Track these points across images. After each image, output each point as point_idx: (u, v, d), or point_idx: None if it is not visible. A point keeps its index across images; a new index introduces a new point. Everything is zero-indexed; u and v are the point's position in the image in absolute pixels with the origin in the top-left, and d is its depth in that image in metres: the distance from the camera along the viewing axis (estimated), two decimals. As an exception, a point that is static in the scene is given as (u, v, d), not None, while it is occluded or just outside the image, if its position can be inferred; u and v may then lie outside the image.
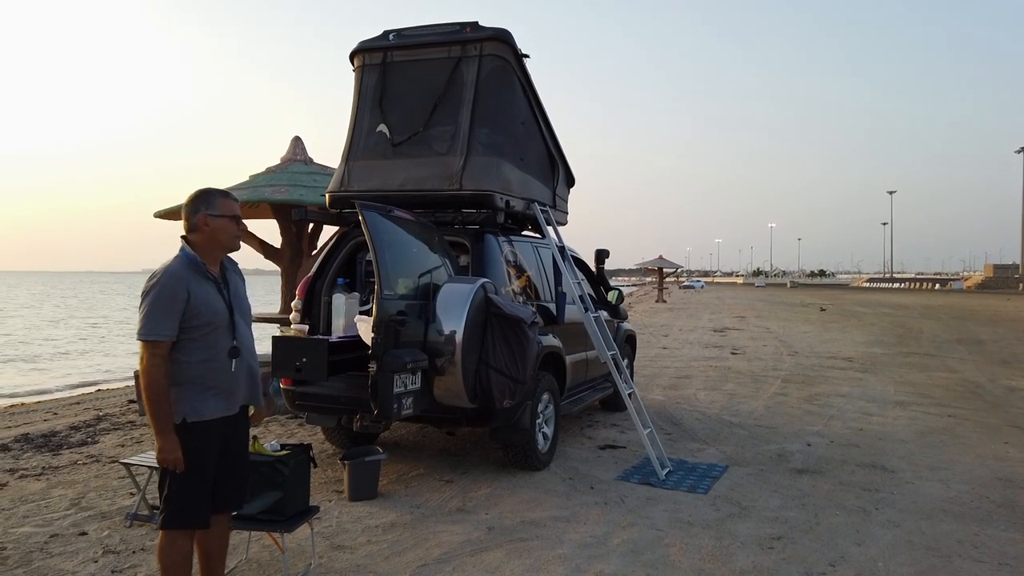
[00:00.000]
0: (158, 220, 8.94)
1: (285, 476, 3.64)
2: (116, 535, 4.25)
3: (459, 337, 4.37)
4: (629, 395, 5.92)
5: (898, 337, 19.25)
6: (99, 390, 13.70)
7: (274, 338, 4.93)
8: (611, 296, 7.65)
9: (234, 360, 3.00)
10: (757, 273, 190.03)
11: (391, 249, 4.26)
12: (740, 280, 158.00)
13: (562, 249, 6.10)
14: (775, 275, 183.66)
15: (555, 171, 6.66)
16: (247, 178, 8.95)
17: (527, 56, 5.92)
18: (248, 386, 3.12)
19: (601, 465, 5.94)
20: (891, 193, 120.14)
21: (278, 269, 9.29)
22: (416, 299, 4.40)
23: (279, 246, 9.13)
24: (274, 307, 11.37)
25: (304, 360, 4.75)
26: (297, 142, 9.25)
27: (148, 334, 2.83)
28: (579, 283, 6.09)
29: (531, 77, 6.02)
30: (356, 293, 5.49)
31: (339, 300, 5.27)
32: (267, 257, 9.18)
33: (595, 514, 4.71)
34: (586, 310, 5.89)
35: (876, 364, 13.23)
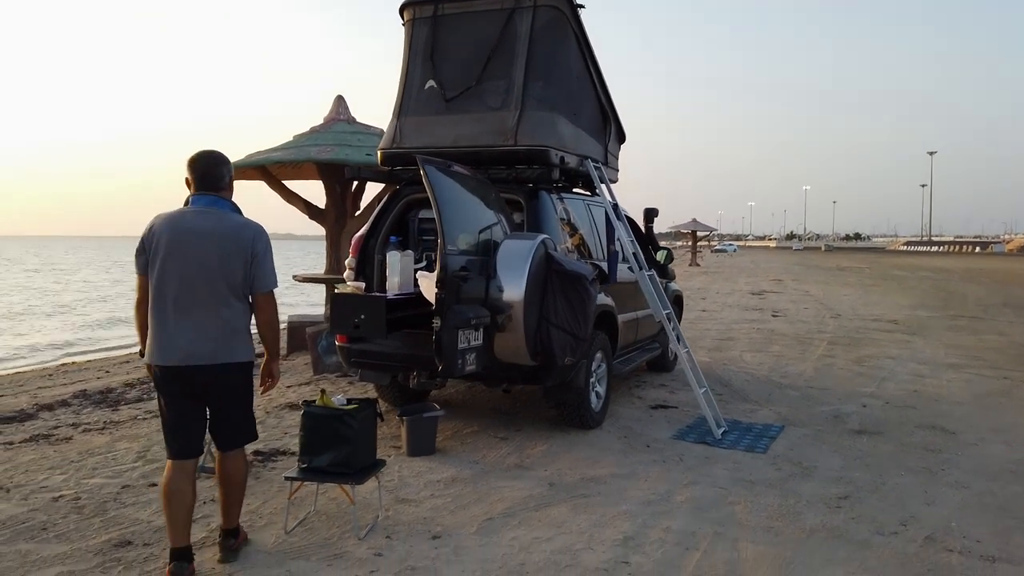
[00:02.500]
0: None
1: (354, 430, 3.66)
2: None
3: (520, 293, 4.32)
4: (685, 354, 5.84)
5: (942, 301, 18.82)
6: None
7: (332, 295, 4.94)
8: (660, 256, 7.53)
9: None
10: (791, 237, 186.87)
11: (452, 205, 4.20)
12: (773, 244, 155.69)
13: (615, 207, 5.98)
14: (808, 239, 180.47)
15: (607, 127, 6.51)
16: (291, 138, 8.92)
17: (582, 6, 5.75)
18: None
19: (654, 424, 5.90)
20: (931, 154, 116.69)
21: (308, 235, 9.32)
22: (477, 255, 4.35)
23: (323, 207, 9.12)
24: (315, 270, 11.45)
25: (362, 317, 4.75)
26: (340, 101, 9.17)
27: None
28: (632, 241, 5.98)
29: (585, 28, 5.86)
30: (410, 251, 5.46)
31: (394, 258, 5.24)
32: (311, 218, 9.19)
33: (655, 472, 4.68)
34: (640, 269, 5.79)
35: (923, 327, 12.95)
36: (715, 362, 8.99)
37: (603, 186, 5.95)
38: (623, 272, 6.16)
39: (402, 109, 5.74)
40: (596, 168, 6.00)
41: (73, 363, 12.44)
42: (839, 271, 36.13)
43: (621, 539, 3.63)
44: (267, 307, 3.27)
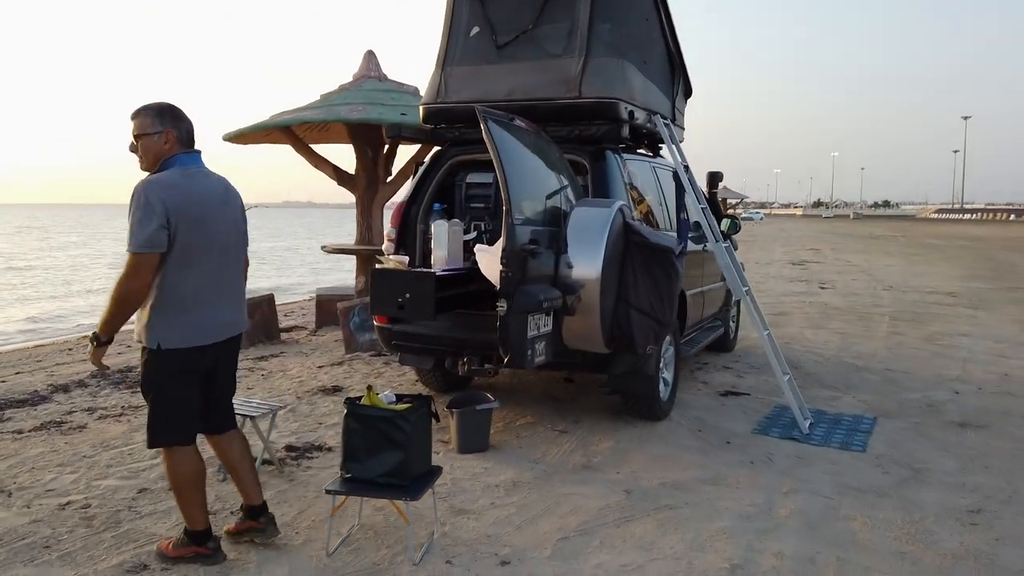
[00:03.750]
0: (225, 144, 8.38)
1: (407, 434, 3.07)
2: (210, 491, 3.78)
3: (596, 271, 3.67)
4: (767, 337, 5.18)
5: (992, 271, 17.90)
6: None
7: (372, 271, 4.33)
8: (724, 225, 6.82)
9: None
10: (817, 204, 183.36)
11: (516, 167, 3.54)
12: (799, 212, 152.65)
13: (687, 170, 5.29)
14: (835, 206, 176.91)
15: (675, 78, 5.78)
16: (318, 97, 8.26)
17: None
18: None
19: (728, 415, 5.27)
20: (966, 119, 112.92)
21: (328, 203, 8.70)
22: (545, 226, 3.70)
23: (353, 172, 8.49)
24: (344, 239, 10.85)
25: (407, 296, 4.15)
26: (370, 57, 8.46)
27: None
28: (705, 210, 5.29)
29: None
30: (457, 220, 4.83)
31: (440, 228, 4.61)
32: (340, 183, 8.57)
33: (744, 476, 4.07)
34: (717, 241, 5.11)
35: (984, 300, 12.14)
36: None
37: (674, 146, 5.24)
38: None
39: (447, 58, 5.06)
40: (666, 125, 5.29)
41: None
42: (873, 240, 35.01)
43: (728, 568, 3.03)
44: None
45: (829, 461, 4.33)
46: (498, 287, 3.37)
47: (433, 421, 3.28)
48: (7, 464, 4.19)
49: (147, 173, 2.86)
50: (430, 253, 4.95)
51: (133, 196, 2.72)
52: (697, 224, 5.20)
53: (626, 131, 4.69)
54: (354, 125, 7.81)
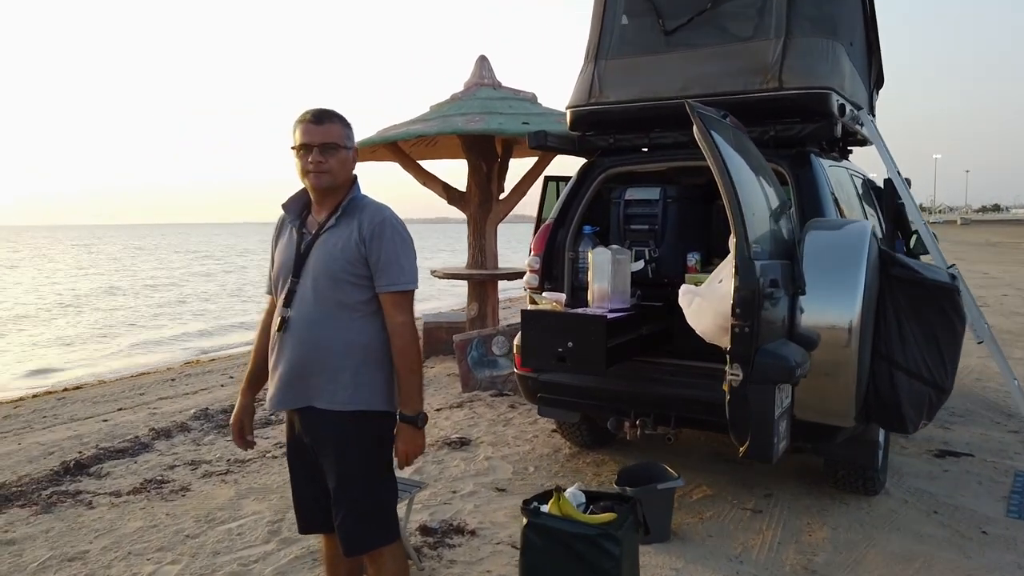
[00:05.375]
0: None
1: (616, 559, 2.19)
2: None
3: (852, 317, 2.71)
4: (1015, 387, 4.04)
5: None
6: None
7: (524, 314, 3.50)
8: (914, 243, 5.66)
9: (278, 336, 2.25)
10: (921, 209, 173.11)
11: (741, 180, 2.62)
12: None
13: (902, 178, 4.23)
14: (939, 211, 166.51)
15: (871, 64, 4.73)
16: (427, 109, 7.58)
17: None
18: (284, 380, 2.23)
19: (960, 487, 4.15)
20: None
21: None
22: (776, 258, 2.76)
23: (464, 189, 7.76)
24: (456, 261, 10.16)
25: (570, 345, 3.31)
26: (483, 63, 7.72)
27: None
28: (925, 226, 4.22)
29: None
30: (618, 247, 3.94)
31: (602, 257, 3.74)
32: (450, 202, 7.86)
33: (1039, 593, 2.98)
34: (948, 266, 4.02)
35: None
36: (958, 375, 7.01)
37: (885, 149, 4.19)
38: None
39: (599, 50, 4.20)
40: (871, 122, 4.25)
41: (198, 361, 11.84)
42: (991, 247, 32.11)
43: None
44: None
45: None
46: (729, 346, 2.45)
47: (643, 533, 2.39)
48: (101, 545, 3.56)
49: (304, 185, 2.28)
50: (580, 287, 4.11)
51: (388, 224, 2.21)
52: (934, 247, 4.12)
53: (839, 130, 3.69)
54: (468, 137, 7.08)
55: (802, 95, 3.61)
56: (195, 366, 10.90)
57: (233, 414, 2.47)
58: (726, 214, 3.98)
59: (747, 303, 2.38)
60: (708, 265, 4.14)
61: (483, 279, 7.55)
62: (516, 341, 4.09)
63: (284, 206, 2.32)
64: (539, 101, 7.58)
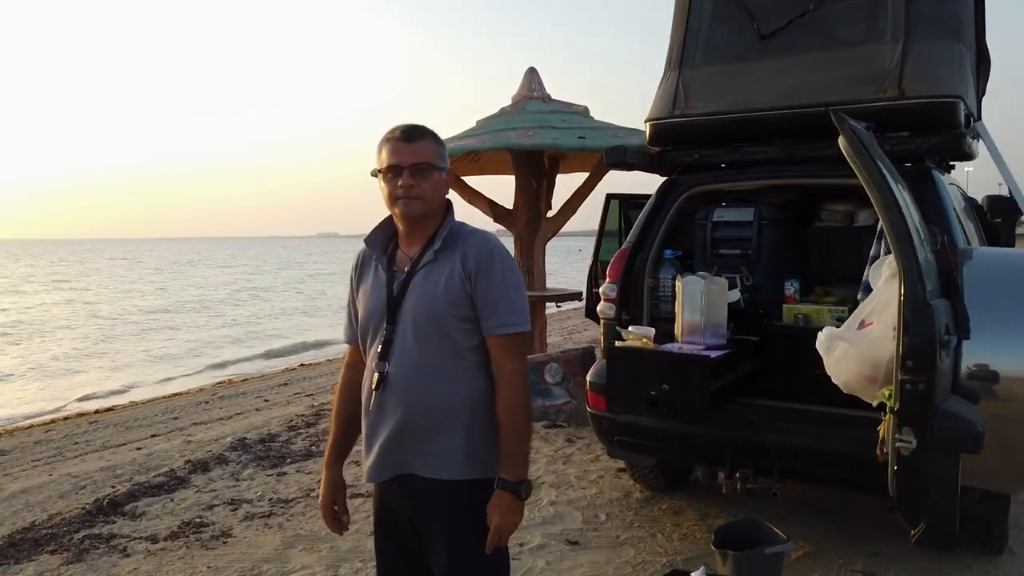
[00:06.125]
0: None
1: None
2: None
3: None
4: None
5: None
6: (302, 364, 13.03)
7: (610, 351, 3.12)
8: None
9: (375, 394, 1.88)
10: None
11: (899, 205, 2.20)
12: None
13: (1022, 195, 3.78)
14: None
15: (981, 69, 4.30)
16: (474, 124, 7.25)
17: None
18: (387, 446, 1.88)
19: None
20: None
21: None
22: (936, 296, 2.33)
23: (512, 206, 7.40)
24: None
25: (665, 387, 2.91)
26: (532, 75, 7.38)
27: None
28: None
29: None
30: (708, 275, 3.54)
31: (694, 286, 3.34)
32: (496, 220, 7.51)
33: None
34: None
35: None
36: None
37: (1003, 161, 3.75)
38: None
39: (684, 57, 3.82)
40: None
41: (230, 381, 11.60)
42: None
43: None
44: None
45: None
46: (895, 406, 2.03)
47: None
48: (137, 605, 3.22)
49: (391, 213, 1.94)
50: (661, 317, 3.71)
51: (497, 256, 1.88)
52: None
53: (967, 143, 3.27)
54: (518, 153, 6.73)
55: (927, 104, 3.19)
56: (227, 387, 10.64)
57: (321, 493, 2.07)
58: (823, 237, 3.55)
59: (924, 354, 1.96)
60: (808, 294, 3.73)
61: (532, 301, 7.16)
62: (591, 377, 3.71)
63: (367, 240, 1.97)
64: (592, 115, 7.22)
